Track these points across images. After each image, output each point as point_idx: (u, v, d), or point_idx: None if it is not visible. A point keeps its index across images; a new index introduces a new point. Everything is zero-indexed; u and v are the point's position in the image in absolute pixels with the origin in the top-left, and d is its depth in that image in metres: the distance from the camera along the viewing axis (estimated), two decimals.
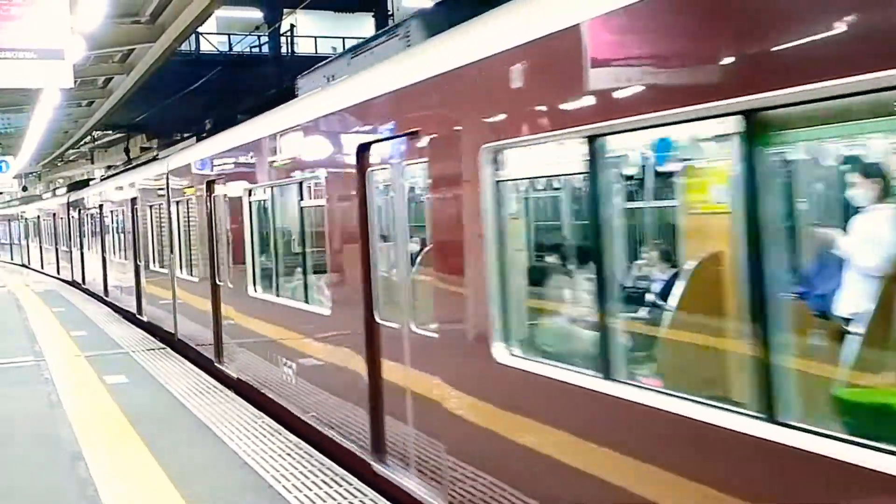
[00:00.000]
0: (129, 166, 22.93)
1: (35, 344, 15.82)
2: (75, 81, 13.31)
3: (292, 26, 32.98)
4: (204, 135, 14.58)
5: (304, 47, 36.07)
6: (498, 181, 5.25)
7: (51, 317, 20.20)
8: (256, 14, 34.44)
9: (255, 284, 10.54)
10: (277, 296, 9.87)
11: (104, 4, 11.44)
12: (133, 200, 18.38)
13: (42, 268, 37.65)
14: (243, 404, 10.24)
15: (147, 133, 32.09)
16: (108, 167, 30.14)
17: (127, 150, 26.68)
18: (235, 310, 11.33)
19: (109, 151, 40.03)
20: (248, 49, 33.44)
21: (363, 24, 37.51)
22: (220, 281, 12.09)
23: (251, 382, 10.74)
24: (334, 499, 6.81)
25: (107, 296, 23.10)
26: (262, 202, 10.40)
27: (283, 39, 33.20)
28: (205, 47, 33.58)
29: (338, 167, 7.73)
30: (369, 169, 7.09)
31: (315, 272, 8.85)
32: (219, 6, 15.68)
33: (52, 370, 13.02)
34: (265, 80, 26.09)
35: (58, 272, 32.91)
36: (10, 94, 20.21)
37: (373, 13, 37.05)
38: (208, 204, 12.36)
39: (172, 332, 15.35)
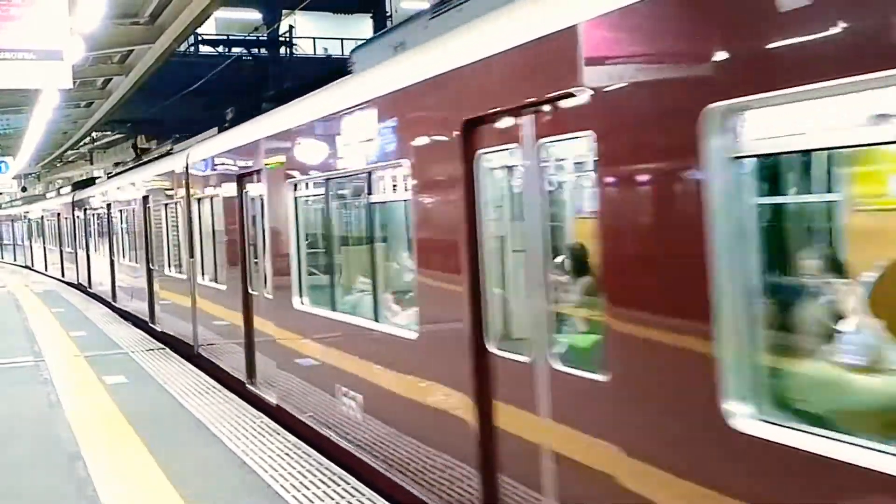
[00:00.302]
0: (140, 162, 21.43)
1: (34, 344, 15.84)
2: (74, 82, 13.34)
3: (291, 27, 33.09)
4: (226, 125, 13.10)
5: (302, 48, 36.16)
6: (735, 157, 3.59)
7: (50, 317, 20.20)
8: (255, 15, 34.55)
9: (301, 296, 8.88)
10: (333, 311, 8.16)
11: (103, 5, 11.45)
12: (145, 199, 17.04)
13: (46, 270, 37.13)
14: (242, 404, 10.25)
15: (146, 134, 32.09)
16: (116, 164, 29.30)
17: (135, 147, 26.16)
18: (276, 325, 9.63)
19: (109, 152, 40.05)
20: (246, 50, 33.50)
21: (361, 25, 37.64)
22: (253, 290, 10.54)
23: (297, 413, 9.08)
24: (332, 498, 6.83)
25: (115, 301, 21.77)
26: (313, 198, 8.84)
27: (281, 41, 33.32)
28: (204, 49, 33.65)
29: (430, 151, 6.08)
30: (480, 150, 5.47)
31: (390, 284, 7.35)
32: (218, 7, 15.69)
33: (52, 370, 13.03)
34: (265, 80, 26.19)
35: (62, 275, 32.26)
36: (9, 94, 20.22)
37: (371, 14, 37.23)
38: (239, 201, 10.78)
39: (191, 343, 14.03)
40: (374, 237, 7.38)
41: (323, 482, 7.21)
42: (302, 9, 26.55)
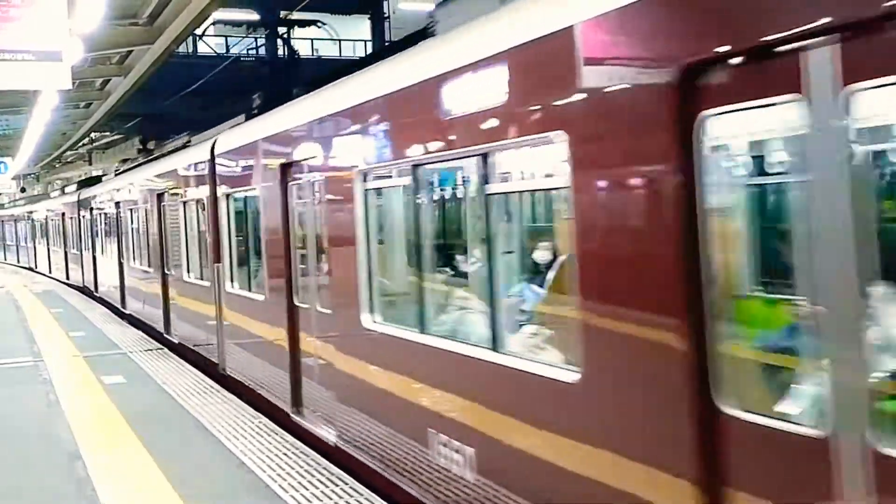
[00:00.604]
0: (153, 156, 19.76)
1: (34, 344, 15.86)
2: (73, 83, 13.39)
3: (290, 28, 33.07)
4: (254, 111, 11.49)
5: (300, 49, 36.19)
6: None
7: (49, 317, 20.22)
8: (254, 16, 34.55)
9: (372, 311, 7.26)
10: (422, 332, 6.42)
11: (102, 6, 11.48)
12: (160, 196, 15.50)
13: (50, 271, 36.44)
14: (241, 404, 10.26)
15: (147, 133, 32.05)
16: (124, 160, 28.47)
17: (143, 142, 25.52)
18: (334, 346, 8.02)
19: (108, 153, 40.05)
20: (245, 51, 33.55)
21: (360, 27, 37.72)
22: (301, 302, 8.97)
23: (368, 461, 7.38)
24: (330, 498, 6.85)
25: (124, 307, 20.38)
26: (394, 190, 7.25)
27: (280, 42, 33.33)
28: (202, 49, 33.69)
29: (610, 116, 4.31)
30: (708, 111, 3.68)
31: (523, 303, 5.94)
32: (217, 7, 15.73)
33: (51, 370, 13.06)
34: (264, 80, 26.21)
35: (66, 277, 31.45)
36: (8, 95, 20.25)
37: (369, 15, 37.29)
38: (283, 196, 9.15)
39: (216, 361, 12.38)
40: (492, 239, 5.61)
41: (322, 482, 7.23)
42: (300, 10, 26.59)
